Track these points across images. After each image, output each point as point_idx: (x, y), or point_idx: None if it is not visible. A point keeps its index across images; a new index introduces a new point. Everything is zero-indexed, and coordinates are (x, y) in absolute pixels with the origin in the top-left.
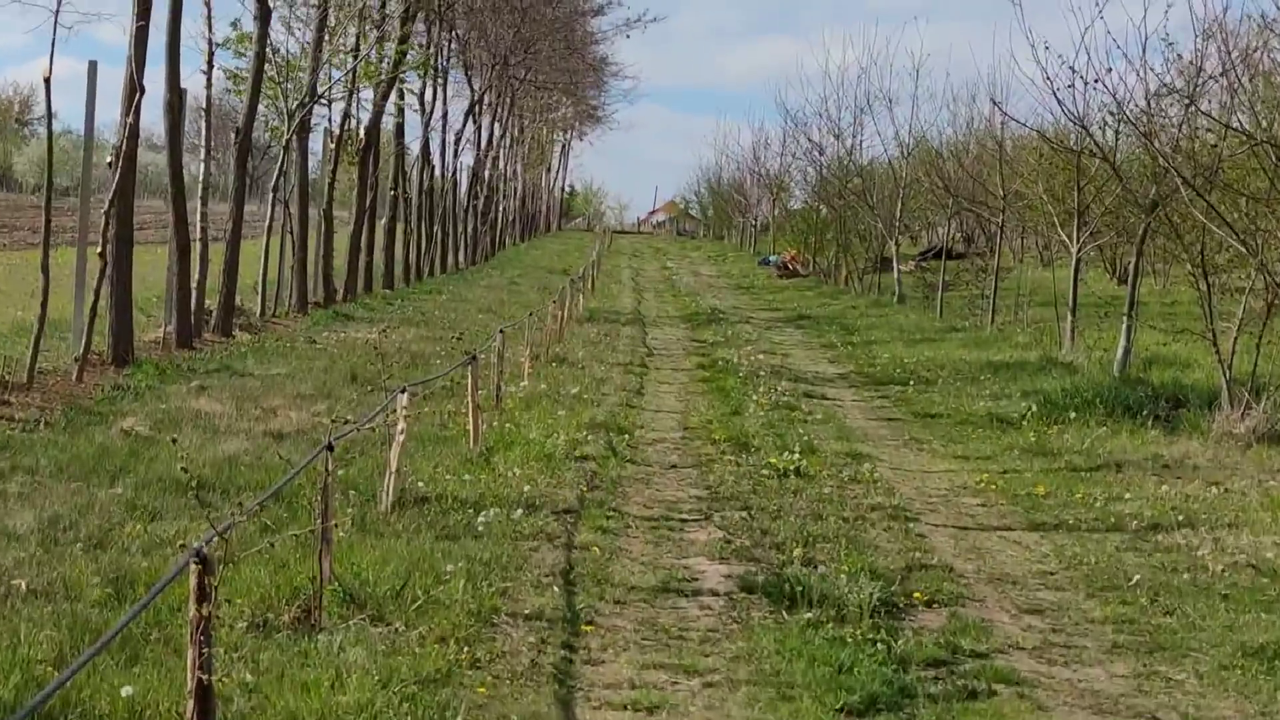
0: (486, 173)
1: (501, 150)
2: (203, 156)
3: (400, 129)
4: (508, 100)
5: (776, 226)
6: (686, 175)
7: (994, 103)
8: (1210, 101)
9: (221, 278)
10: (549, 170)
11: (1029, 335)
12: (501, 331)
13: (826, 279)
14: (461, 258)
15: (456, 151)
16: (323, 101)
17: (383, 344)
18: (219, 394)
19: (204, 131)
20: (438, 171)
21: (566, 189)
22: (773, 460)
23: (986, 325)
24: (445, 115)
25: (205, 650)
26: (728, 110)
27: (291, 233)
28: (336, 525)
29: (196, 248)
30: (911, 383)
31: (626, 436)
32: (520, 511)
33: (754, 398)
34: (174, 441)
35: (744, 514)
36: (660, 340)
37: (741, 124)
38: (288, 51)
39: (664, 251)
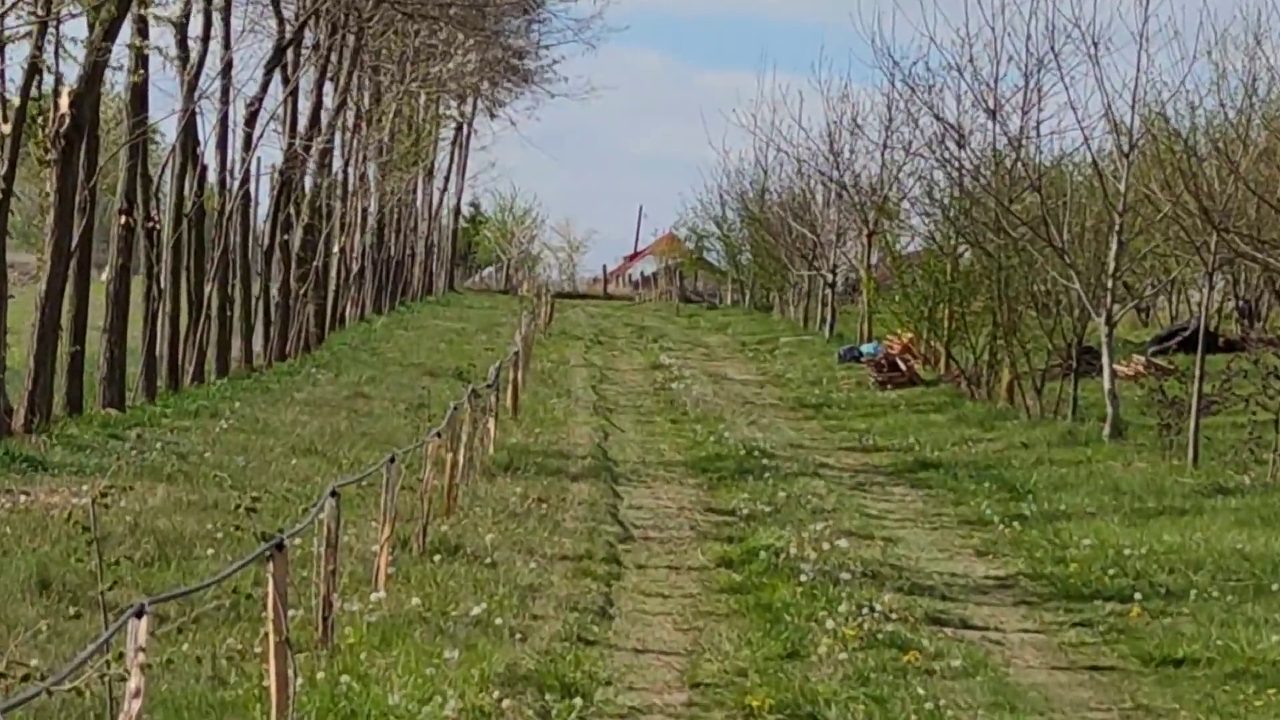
0: (308, 180)
1: (337, 135)
2: None
3: (141, 95)
4: (348, 41)
5: (875, 287)
6: (699, 185)
7: None
8: None
9: None
10: (431, 175)
11: None
12: (335, 494)
13: (973, 389)
14: (260, 345)
15: (252, 139)
16: None
17: (101, 518)
18: None
19: None
20: (213, 177)
21: (465, 210)
22: None
23: None
24: (229, 68)
25: None
26: (778, 59)
27: None
28: None
29: None
30: (1137, 597)
31: (579, 702)
32: None
33: (829, 624)
34: None
35: None
36: (647, 509)
37: (804, 84)
38: None
39: (655, 333)
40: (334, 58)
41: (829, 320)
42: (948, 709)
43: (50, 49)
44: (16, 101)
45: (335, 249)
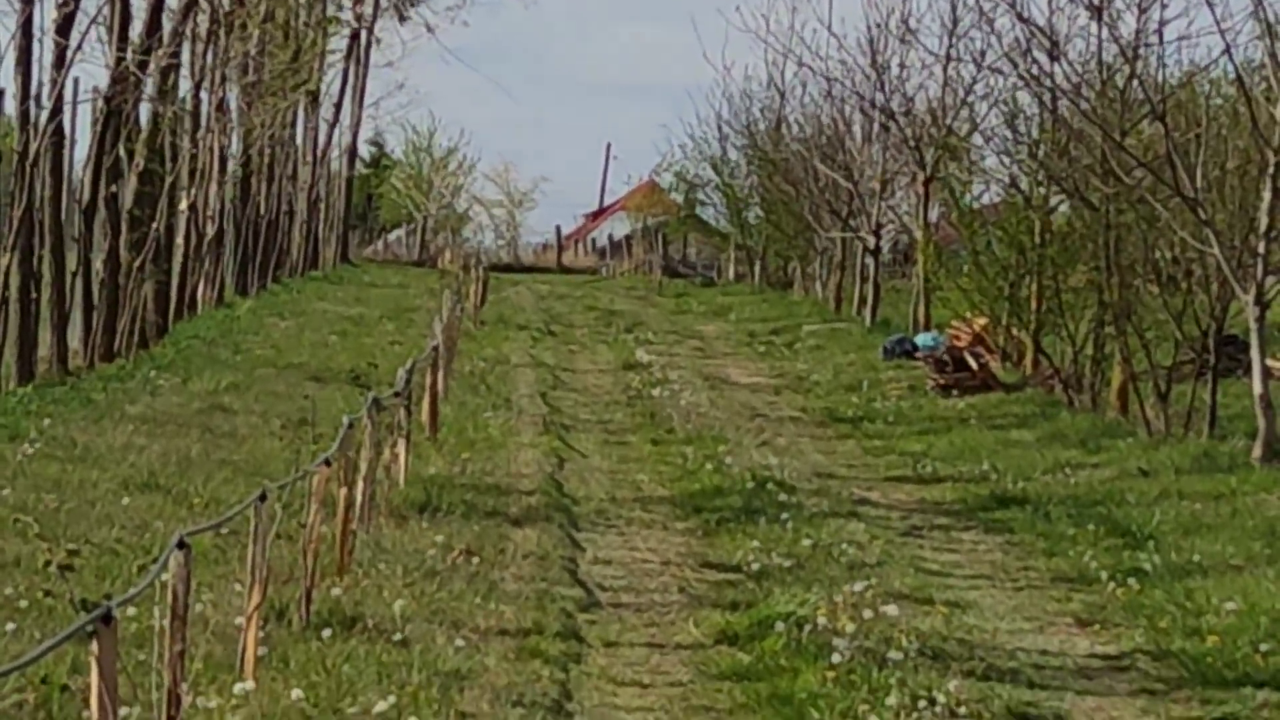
0: (146, 110)
1: (186, 48)
2: None
3: None
4: None
5: (936, 254)
6: (690, 115)
7: None
8: None
9: None
10: (317, 103)
11: None
12: (184, 545)
13: (1072, 394)
14: (78, 340)
15: (66, 55)
16: None
17: None
18: None
19: None
20: (12, 106)
21: (366, 151)
22: None
23: None
24: None
25: None
26: None
27: None
28: None
29: None
30: None
31: None
32: None
33: None
34: None
35: None
36: (619, 565)
37: None
38: None
39: (629, 319)
40: None
41: (871, 301)
42: None
43: None
44: None
45: (183, 205)
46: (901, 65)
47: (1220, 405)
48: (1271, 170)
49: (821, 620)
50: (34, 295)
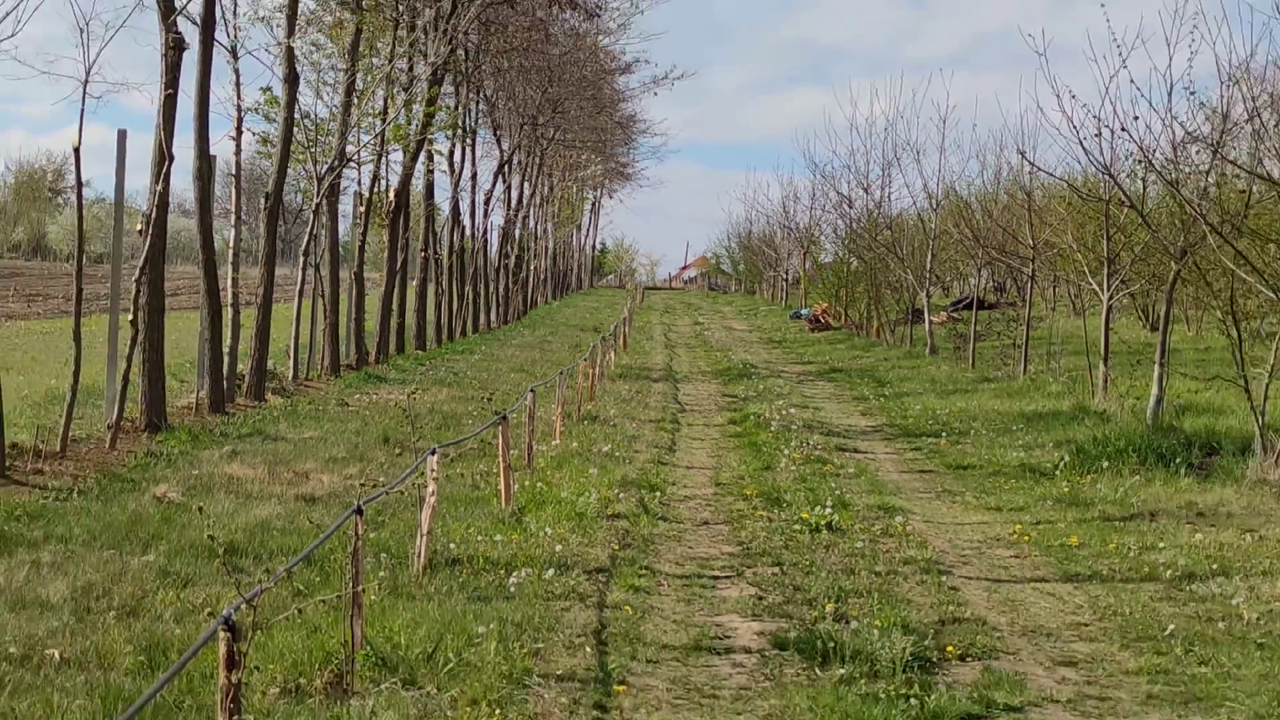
0: (517, 231)
1: (531, 209)
2: (233, 221)
3: (430, 190)
4: (536, 159)
5: (808, 280)
6: (717, 230)
7: (1021, 154)
8: (1238, 148)
9: (253, 342)
10: (579, 228)
11: (1062, 385)
12: (532, 391)
13: (859, 332)
14: (493, 317)
15: (487, 211)
16: (352, 165)
17: (413, 406)
18: (251, 459)
19: (234, 196)
20: (468, 231)
21: (597, 246)
22: (805, 515)
23: (1019, 375)
24: (475, 175)
25: (235, 718)
26: (757, 164)
27: (323, 295)
28: (367, 589)
29: (228, 313)
30: (944, 434)
31: (658, 494)
32: (552, 571)
33: (786, 452)
34: (200, 510)
35: (776, 570)
36: (691, 395)
37: (770, 178)
38: (316, 116)
39: (696, 307)
40: (529, 169)
41: (785, 297)
42: (847, 493)
43: (384, 166)
44: (366, 194)
45: (532, 267)
46: (794, 210)
47: (913, 334)
48: (930, 247)
49: (767, 415)
50: (478, 301)
